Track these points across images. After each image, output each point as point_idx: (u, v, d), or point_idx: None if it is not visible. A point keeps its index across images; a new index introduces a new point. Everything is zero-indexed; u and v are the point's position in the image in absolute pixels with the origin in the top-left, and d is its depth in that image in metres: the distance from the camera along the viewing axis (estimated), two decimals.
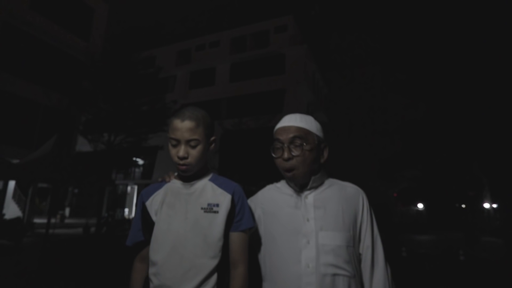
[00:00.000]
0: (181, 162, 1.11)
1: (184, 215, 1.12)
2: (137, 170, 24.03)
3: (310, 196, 1.17)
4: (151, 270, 1.10)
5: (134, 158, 22.40)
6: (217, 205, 1.13)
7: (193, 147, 1.11)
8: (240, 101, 22.31)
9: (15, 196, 16.43)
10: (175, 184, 1.19)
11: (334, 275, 1.06)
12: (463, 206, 27.20)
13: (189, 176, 1.16)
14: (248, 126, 19.35)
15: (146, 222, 1.17)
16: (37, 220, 15.38)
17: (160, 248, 1.09)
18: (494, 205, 25.41)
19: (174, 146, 1.12)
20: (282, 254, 1.13)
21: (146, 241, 1.16)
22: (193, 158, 1.11)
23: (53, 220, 17.36)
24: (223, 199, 1.14)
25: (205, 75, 24.42)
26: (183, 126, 1.09)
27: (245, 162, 15.53)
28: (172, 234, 1.09)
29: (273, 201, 1.22)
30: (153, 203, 1.17)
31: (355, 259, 1.12)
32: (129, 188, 24.43)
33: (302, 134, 1.15)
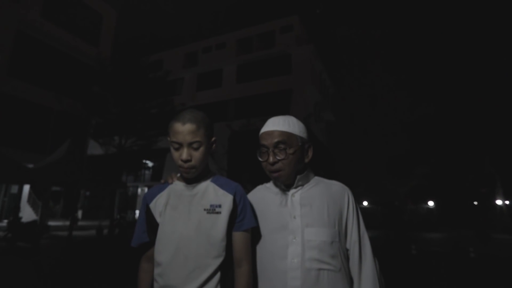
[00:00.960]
0: (185, 165, 1.12)
1: (187, 216, 1.14)
2: (146, 172, 24.37)
3: (297, 194, 1.21)
4: (156, 271, 1.13)
5: (144, 161, 22.75)
6: (219, 206, 1.15)
7: (196, 149, 1.13)
8: (248, 102, 22.42)
9: (29, 199, 16.87)
10: (178, 186, 1.21)
11: (319, 269, 1.10)
12: (475, 203, 26.82)
13: (191, 177, 1.18)
14: (257, 126, 19.43)
15: (150, 223, 1.18)
16: (51, 223, 15.76)
17: (164, 249, 1.11)
18: (507, 202, 25.00)
19: (177, 149, 1.14)
20: (270, 250, 1.16)
21: (151, 242, 1.18)
22: (197, 160, 1.13)
23: (67, 223, 17.78)
24: (225, 200, 1.16)
25: (212, 76, 24.63)
26: (184, 129, 1.10)
27: (254, 162, 15.64)
28: (176, 235, 1.11)
29: (263, 200, 1.26)
30: (157, 205, 1.19)
31: (341, 254, 1.15)
32: (139, 190, 24.79)
33: (285, 138, 1.18)
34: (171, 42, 27.85)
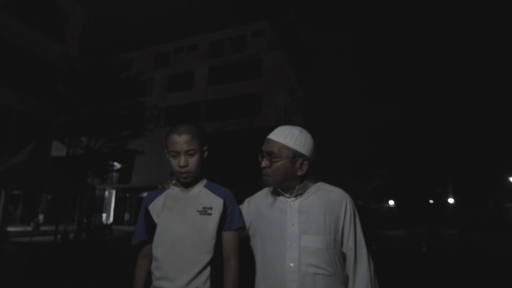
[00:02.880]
0: (182, 170, 1.27)
1: (183, 217, 1.28)
2: (114, 174, 23.66)
3: (296, 202, 1.28)
4: (154, 264, 1.27)
5: (111, 162, 22.08)
6: (211, 208, 1.29)
7: (191, 156, 1.28)
8: (219, 104, 22.60)
9: None
10: (174, 190, 1.36)
11: (315, 274, 1.18)
12: (431, 201, 28.86)
13: (187, 183, 1.32)
14: (226, 128, 19.69)
15: (149, 223, 1.32)
16: (10, 228, 14.89)
17: (162, 245, 1.26)
18: (459, 200, 27.15)
19: (174, 157, 1.28)
20: (271, 253, 1.26)
21: (149, 240, 1.31)
22: (192, 166, 1.28)
23: (28, 228, 16.85)
24: (216, 203, 1.30)
25: (184, 78, 24.49)
26: (181, 139, 1.26)
27: (225, 165, 15.86)
28: (172, 234, 1.26)
29: (266, 204, 1.35)
30: (155, 207, 1.33)
31: (336, 259, 1.22)
32: (106, 192, 24.02)
33: (275, 149, 1.26)
34: (141, 41, 27.23)
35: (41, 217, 21.07)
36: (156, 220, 1.30)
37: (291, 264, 1.20)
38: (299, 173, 1.27)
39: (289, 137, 1.27)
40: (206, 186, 1.36)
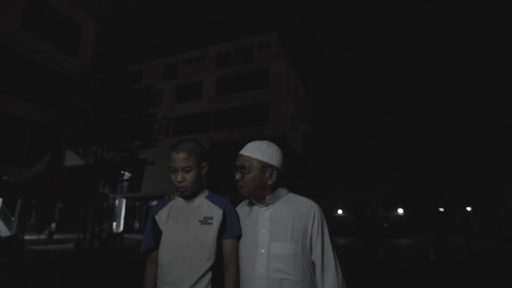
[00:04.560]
0: (179, 185, 1.38)
1: (185, 226, 1.37)
2: (124, 183, 24.09)
3: (268, 212, 1.38)
4: (159, 270, 1.36)
5: (121, 171, 22.50)
6: (211, 218, 1.38)
7: (188, 171, 1.37)
8: (227, 114, 22.96)
9: (1, 214, 16.31)
10: (179, 201, 1.46)
11: (282, 279, 1.26)
12: (441, 209, 28.51)
13: (188, 194, 1.42)
14: (234, 138, 19.97)
15: (155, 231, 1.42)
16: (25, 237, 15.29)
17: (167, 252, 1.35)
18: (468, 208, 26.85)
19: (173, 172, 1.39)
20: (245, 260, 1.35)
21: (156, 247, 1.41)
22: (188, 181, 1.38)
23: (41, 236, 17.27)
24: (216, 213, 1.39)
25: (192, 89, 25.00)
26: (178, 157, 1.37)
27: (232, 173, 16.06)
28: (176, 242, 1.35)
29: (242, 215, 1.46)
30: (161, 216, 1.43)
31: (304, 266, 1.29)
32: (117, 201, 24.43)
33: (245, 163, 1.38)
34: (151, 54, 27.96)
35: (53, 225, 21.52)
36: (162, 228, 1.40)
37: (261, 270, 1.29)
38: (269, 182, 1.38)
39: (257, 150, 1.39)
40: (207, 197, 1.46)
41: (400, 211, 32.94)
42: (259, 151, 1.39)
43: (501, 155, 12.58)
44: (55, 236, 17.72)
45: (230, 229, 1.38)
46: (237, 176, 1.40)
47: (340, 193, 29.98)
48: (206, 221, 1.37)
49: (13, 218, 16.16)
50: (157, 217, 1.43)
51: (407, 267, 8.39)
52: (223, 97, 23.56)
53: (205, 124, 23.14)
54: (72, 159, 16.21)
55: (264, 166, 1.37)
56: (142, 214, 23.70)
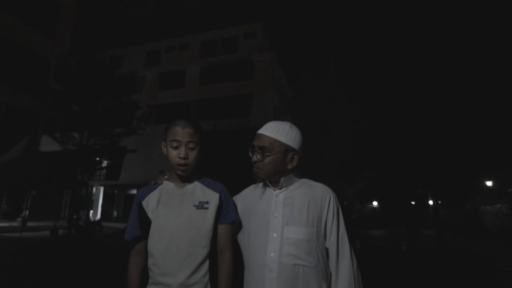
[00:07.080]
0: (182, 162, 1.26)
1: (179, 212, 1.27)
2: (102, 171, 23.52)
3: (281, 195, 1.32)
4: (151, 261, 1.25)
5: (98, 159, 21.96)
6: (207, 203, 1.30)
7: (192, 149, 1.28)
8: (210, 103, 22.81)
9: None
10: (168, 185, 1.34)
11: (294, 264, 1.20)
12: (413, 203, 29.88)
13: (181, 178, 1.32)
14: (215, 127, 19.95)
15: (142, 219, 1.29)
16: None
17: (158, 241, 1.24)
18: (439, 202, 28.25)
19: (175, 148, 1.27)
20: (254, 245, 1.28)
21: (142, 236, 1.29)
22: (191, 159, 1.28)
23: (13, 223, 16.70)
24: (212, 197, 1.31)
25: (175, 76, 24.57)
26: (184, 131, 1.27)
27: (214, 161, 16.10)
28: (169, 229, 1.24)
29: (253, 198, 1.38)
30: (149, 202, 1.30)
31: (318, 252, 1.23)
32: (94, 189, 23.88)
33: (267, 144, 1.29)
34: (132, 38, 27.07)
35: (26, 212, 20.78)
36: (150, 216, 1.29)
37: (272, 255, 1.22)
38: (289, 167, 1.32)
39: (280, 132, 1.31)
40: (200, 181, 1.36)
41: (375, 203, 34.20)
42: (282, 133, 1.31)
43: (471, 152, 13.34)
44: (29, 224, 17.17)
45: (226, 214, 1.31)
46: (256, 157, 1.32)
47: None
48: (202, 205, 1.29)
49: None
50: (144, 203, 1.31)
51: (382, 256, 8.88)
52: (206, 86, 23.34)
53: (188, 113, 22.88)
54: (48, 145, 15.67)
55: (287, 149, 1.31)
56: (121, 202, 23.32)
